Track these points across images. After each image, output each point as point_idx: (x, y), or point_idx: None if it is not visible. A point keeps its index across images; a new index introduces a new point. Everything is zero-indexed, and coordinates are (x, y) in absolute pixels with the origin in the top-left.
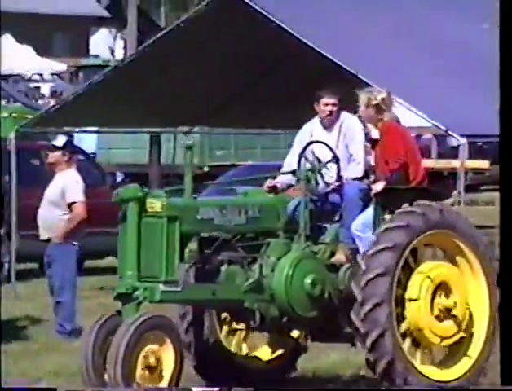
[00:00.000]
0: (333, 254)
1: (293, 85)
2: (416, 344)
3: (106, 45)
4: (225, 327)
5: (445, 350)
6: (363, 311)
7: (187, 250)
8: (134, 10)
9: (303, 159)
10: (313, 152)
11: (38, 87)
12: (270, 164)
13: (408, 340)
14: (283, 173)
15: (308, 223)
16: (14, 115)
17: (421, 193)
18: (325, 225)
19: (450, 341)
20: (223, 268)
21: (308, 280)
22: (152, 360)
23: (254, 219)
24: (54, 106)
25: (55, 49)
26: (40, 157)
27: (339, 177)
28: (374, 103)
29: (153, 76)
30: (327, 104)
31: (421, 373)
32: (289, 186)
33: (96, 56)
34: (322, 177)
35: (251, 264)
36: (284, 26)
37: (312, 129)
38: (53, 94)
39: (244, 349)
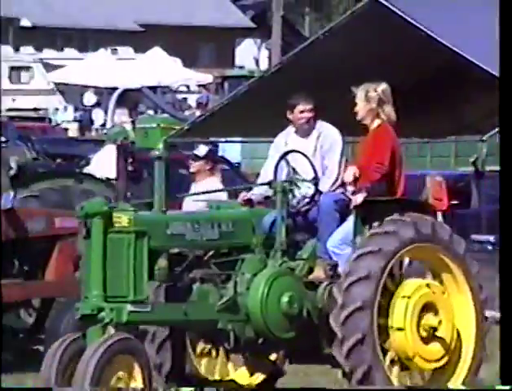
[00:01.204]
0: (311, 270)
1: (445, 94)
2: (404, 368)
3: (251, 55)
4: (198, 349)
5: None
6: (344, 348)
7: (156, 267)
8: (279, 21)
9: (279, 170)
10: (288, 163)
11: (185, 98)
12: (415, 174)
13: (396, 368)
14: (258, 185)
15: (285, 238)
16: (162, 125)
17: (404, 205)
18: (303, 239)
19: (440, 363)
20: (195, 286)
21: (285, 298)
22: (119, 386)
23: (228, 234)
24: (200, 116)
25: (202, 60)
26: (186, 167)
27: (317, 189)
28: (374, 94)
29: (298, 86)
30: (303, 111)
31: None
32: (266, 198)
33: (241, 67)
34: (299, 188)
35: (225, 281)
36: (433, 35)
37: (287, 139)
38: (199, 104)
39: (218, 372)
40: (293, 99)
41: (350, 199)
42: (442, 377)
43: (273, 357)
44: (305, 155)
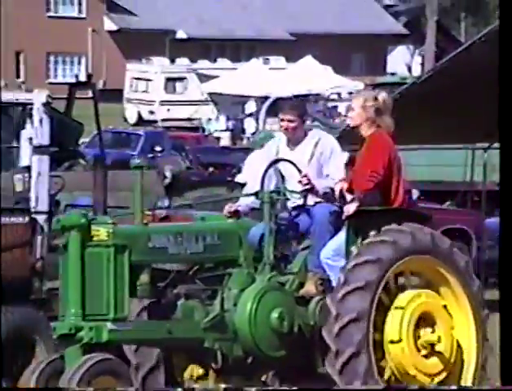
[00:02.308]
0: (302, 285)
1: None
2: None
3: (403, 62)
4: (187, 373)
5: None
6: (338, 363)
7: (138, 283)
8: (434, 26)
9: (267, 179)
10: (280, 172)
11: (336, 106)
12: None
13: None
14: (245, 196)
15: (273, 251)
16: None
17: (398, 215)
18: (293, 252)
19: (440, 378)
20: (180, 303)
21: (275, 315)
22: None
23: (213, 247)
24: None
25: (353, 68)
26: None
27: (306, 199)
28: (372, 104)
29: (450, 92)
30: (282, 120)
31: None
32: (253, 209)
33: (393, 74)
34: (287, 199)
35: (211, 297)
36: None
37: (278, 147)
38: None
39: None
40: (279, 108)
41: (342, 211)
42: None
43: (263, 377)
44: (294, 165)
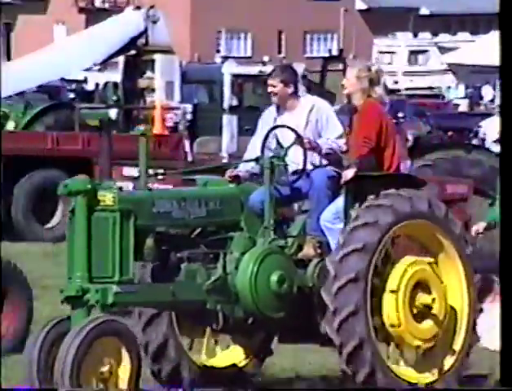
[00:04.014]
0: (300, 248)
1: None
2: (395, 346)
3: None
4: (185, 329)
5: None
6: (336, 321)
7: (143, 247)
8: None
9: (267, 145)
10: (277, 137)
11: None
12: None
13: (386, 345)
14: (245, 161)
15: (273, 215)
16: None
17: (395, 180)
18: (292, 216)
19: (431, 343)
20: (183, 266)
21: (275, 277)
22: (104, 370)
23: (216, 211)
24: None
25: None
26: None
27: (305, 164)
28: (367, 74)
29: None
30: (268, 85)
31: (403, 379)
32: (253, 175)
33: None
34: (287, 165)
35: (213, 261)
36: None
37: (275, 113)
38: None
39: (204, 352)
40: None
41: (340, 176)
42: (433, 355)
43: (260, 336)
44: (293, 130)
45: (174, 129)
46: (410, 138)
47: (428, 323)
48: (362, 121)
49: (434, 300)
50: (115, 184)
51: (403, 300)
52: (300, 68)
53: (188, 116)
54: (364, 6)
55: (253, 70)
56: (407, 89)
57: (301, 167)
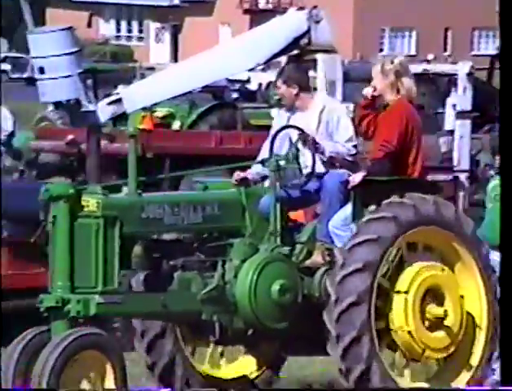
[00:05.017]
0: (310, 255)
1: None
2: (403, 355)
3: None
4: (189, 345)
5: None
6: (339, 348)
7: (133, 255)
8: None
9: (279, 147)
10: (290, 139)
11: None
12: None
13: (395, 353)
14: (253, 164)
15: (279, 220)
16: None
17: (408, 185)
18: (301, 222)
19: (443, 354)
20: (176, 274)
21: (276, 287)
22: (86, 386)
23: (213, 217)
24: None
25: None
26: None
27: (314, 166)
28: (390, 67)
29: None
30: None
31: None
32: (263, 177)
33: None
34: (298, 167)
35: (210, 269)
36: None
37: (290, 114)
38: None
39: (208, 366)
40: None
41: None
42: (450, 369)
43: (274, 346)
44: (303, 131)
45: None
46: None
47: (440, 333)
48: (386, 122)
49: (446, 311)
50: (101, 189)
51: (413, 302)
52: (466, 66)
53: (350, 115)
54: None
55: (417, 68)
56: None
57: (310, 169)
